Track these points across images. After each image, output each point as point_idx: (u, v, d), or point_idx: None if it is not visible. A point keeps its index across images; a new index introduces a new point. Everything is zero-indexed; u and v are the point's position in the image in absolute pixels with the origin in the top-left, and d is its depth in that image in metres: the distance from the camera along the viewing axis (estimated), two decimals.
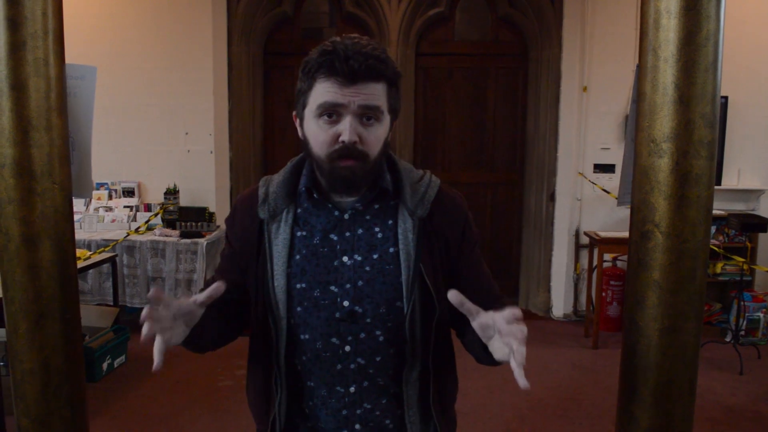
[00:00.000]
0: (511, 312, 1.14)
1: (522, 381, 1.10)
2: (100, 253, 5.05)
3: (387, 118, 1.36)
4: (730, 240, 5.53)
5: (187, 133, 5.85)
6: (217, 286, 1.23)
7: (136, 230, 5.55)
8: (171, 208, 5.65)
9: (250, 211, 1.47)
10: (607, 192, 5.74)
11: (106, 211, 5.77)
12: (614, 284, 5.64)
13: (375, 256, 1.38)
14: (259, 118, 6.15)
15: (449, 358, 1.52)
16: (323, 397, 1.41)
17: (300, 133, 1.41)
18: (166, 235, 5.40)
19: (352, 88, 1.28)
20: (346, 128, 1.29)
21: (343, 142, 1.29)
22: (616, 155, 5.78)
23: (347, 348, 1.38)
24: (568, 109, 5.81)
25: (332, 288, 1.37)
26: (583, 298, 5.92)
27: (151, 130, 5.87)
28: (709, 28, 1.32)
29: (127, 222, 5.71)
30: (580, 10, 5.67)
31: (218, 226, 5.69)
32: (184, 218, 5.52)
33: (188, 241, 5.31)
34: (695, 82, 1.32)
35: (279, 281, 1.38)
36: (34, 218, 1.42)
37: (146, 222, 5.67)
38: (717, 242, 5.45)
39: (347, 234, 1.39)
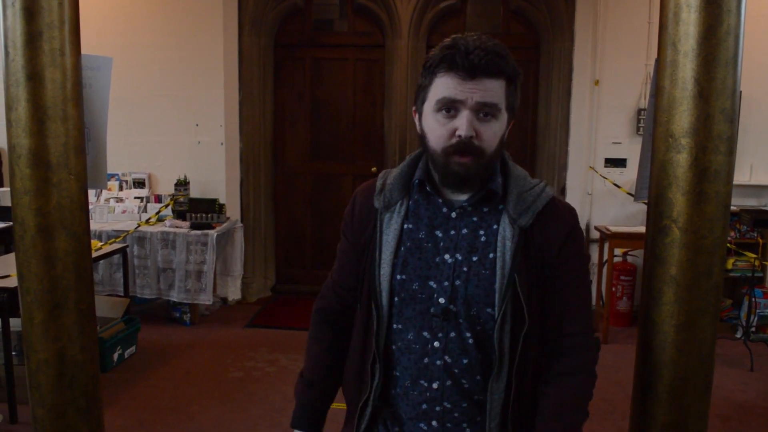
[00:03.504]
0: None
1: None
2: (111, 243, 5.06)
3: (504, 116, 1.36)
4: (742, 236, 5.49)
5: (197, 125, 5.85)
6: None
7: (147, 221, 5.56)
8: (181, 199, 5.66)
9: (367, 201, 1.50)
10: (618, 186, 5.71)
11: (117, 202, 5.79)
12: (624, 279, 5.63)
13: (474, 258, 1.38)
14: (270, 109, 6.15)
15: (537, 378, 1.45)
16: (406, 387, 1.43)
17: (418, 127, 1.42)
18: (177, 227, 5.41)
19: (472, 83, 1.29)
20: (463, 123, 1.30)
21: (459, 136, 1.30)
22: (627, 150, 5.75)
23: (436, 344, 1.39)
24: (579, 103, 5.78)
25: (431, 283, 1.39)
26: (593, 293, 5.90)
27: (161, 121, 5.88)
28: (729, 23, 1.31)
29: (138, 213, 5.72)
30: (593, 3, 5.63)
31: (228, 218, 5.70)
32: (195, 210, 5.52)
33: (198, 232, 5.32)
34: (715, 76, 1.31)
35: (384, 270, 1.42)
36: (49, 209, 1.42)
37: (157, 213, 5.68)
38: (728, 238, 5.41)
39: (452, 232, 1.40)
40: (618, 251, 5.58)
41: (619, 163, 5.80)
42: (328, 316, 1.61)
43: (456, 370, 1.39)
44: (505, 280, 1.35)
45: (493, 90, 1.30)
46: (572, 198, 5.88)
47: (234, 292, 5.96)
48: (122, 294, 5.17)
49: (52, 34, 1.39)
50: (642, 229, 5.15)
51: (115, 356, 4.50)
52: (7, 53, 1.39)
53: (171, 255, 5.36)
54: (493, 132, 1.33)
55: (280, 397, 4.02)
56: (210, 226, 5.42)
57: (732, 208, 5.31)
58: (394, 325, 1.43)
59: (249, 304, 6.06)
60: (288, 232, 6.42)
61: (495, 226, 1.39)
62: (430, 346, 1.39)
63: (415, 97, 1.42)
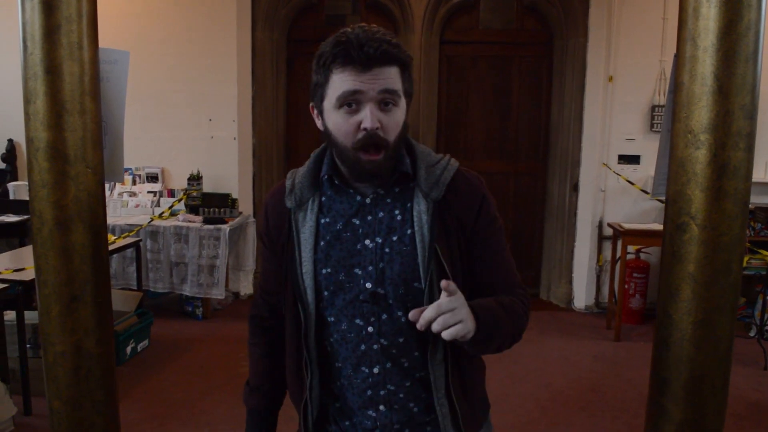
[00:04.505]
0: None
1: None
2: (124, 237, 5.09)
3: (403, 102, 1.38)
4: (757, 234, 5.45)
5: (210, 120, 5.87)
6: None
7: (160, 215, 5.58)
8: (194, 194, 5.68)
9: (279, 204, 1.51)
10: (632, 183, 5.68)
11: (130, 196, 5.81)
12: (637, 276, 5.60)
13: (394, 238, 1.41)
14: (282, 105, 6.16)
15: None
16: (349, 377, 1.45)
17: (320, 125, 1.44)
18: (190, 221, 5.43)
19: (369, 74, 1.30)
20: (367, 115, 1.31)
21: (365, 129, 1.31)
22: (641, 146, 5.73)
23: (370, 329, 1.41)
24: (592, 99, 5.76)
25: (356, 271, 1.41)
26: (605, 290, 5.88)
27: (175, 116, 5.90)
28: (750, 17, 1.29)
29: (151, 207, 5.75)
30: None
31: (241, 213, 5.72)
32: (207, 204, 5.54)
33: (211, 227, 5.34)
34: (735, 72, 1.30)
35: (306, 267, 1.43)
36: (67, 202, 1.43)
37: (170, 207, 5.70)
38: None
39: (369, 218, 1.43)
40: (631, 248, 5.55)
41: (633, 159, 5.77)
42: (260, 322, 1.68)
43: (394, 351, 1.42)
44: (426, 252, 1.37)
45: (391, 77, 1.32)
46: (585, 194, 5.86)
47: (246, 287, 5.98)
48: (135, 288, 5.20)
49: (70, 27, 1.39)
50: (655, 226, 5.16)
51: (128, 350, 4.53)
52: (25, 47, 1.39)
53: (184, 249, 5.38)
54: (396, 121, 1.35)
55: None
56: (223, 221, 5.44)
57: None
58: (328, 318, 1.45)
59: None
60: None
61: (409, 204, 1.42)
62: (364, 332, 1.42)
63: (311, 94, 1.43)
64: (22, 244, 5.37)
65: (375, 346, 1.41)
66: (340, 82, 1.32)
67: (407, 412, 1.45)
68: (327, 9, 6.09)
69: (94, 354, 1.50)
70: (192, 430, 3.61)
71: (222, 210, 5.52)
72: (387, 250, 1.40)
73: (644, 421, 1.55)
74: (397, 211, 1.42)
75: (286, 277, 1.49)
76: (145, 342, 4.77)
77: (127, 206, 5.74)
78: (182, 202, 5.73)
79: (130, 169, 5.91)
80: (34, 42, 1.38)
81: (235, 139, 5.88)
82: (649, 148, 5.64)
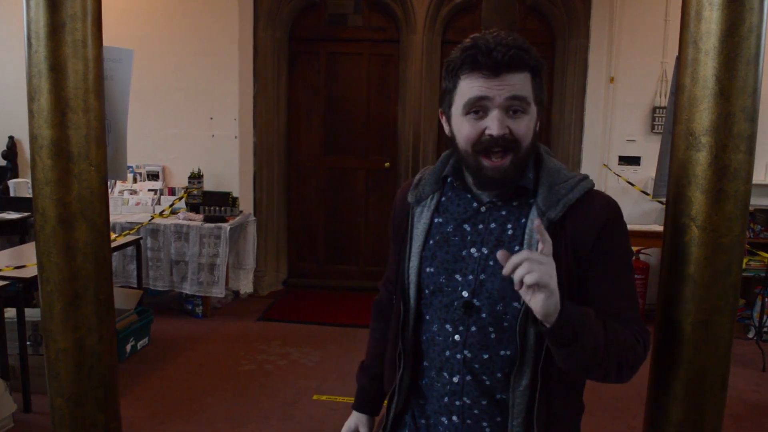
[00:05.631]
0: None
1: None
2: (124, 235, 5.09)
3: (534, 110, 1.33)
4: (756, 235, 5.46)
5: (211, 118, 5.87)
6: None
7: (161, 214, 5.58)
8: (195, 192, 5.68)
9: (404, 197, 1.54)
10: (632, 184, 5.69)
11: (131, 194, 5.82)
12: (637, 277, 5.60)
13: None
14: (284, 103, 6.16)
15: (569, 379, 1.39)
16: (432, 378, 1.45)
17: (447, 130, 1.42)
18: (190, 219, 5.43)
19: (497, 80, 1.27)
20: (493, 122, 1.28)
21: (490, 135, 1.28)
22: (641, 147, 5.73)
23: (457, 337, 1.39)
24: (594, 100, 5.76)
25: (456, 276, 1.39)
26: None
27: (176, 114, 5.90)
28: (752, 21, 1.30)
29: (151, 205, 5.75)
30: (609, 0, 5.60)
31: (241, 211, 5.72)
32: (208, 203, 5.54)
33: (212, 225, 5.34)
34: (736, 75, 1.31)
35: (413, 262, 1.45)
36: (70, 199, 1.43)
37: (170, 206, 5.70)
38: None
39: (480, 226, 1.40)
40: None
41: (633, 161, 5.78)
42: (380, 309, 1.71)
43: (476, 366, 1.38)
44: None
45: (520, 84, 1.28)
46: None
47: (246, 286, 5.98)
48: (136, 286, 5.20)
49: (74, 25, 1.40)
50: (655, 227, 5.16)
51: (128, 347, 4.53)
52: (30, 44, 1.40)
53: (184, 247, 5.38)
54: (526, 126, 1.30)
55: (292, 390, 4.04)
56: (223, 219, 5.44)
57: None
58: (426, 316, 1.45)
59: (261, 297, 6.08)
60: (300, 226, 6.44)
61: (523, 220, 1.36)
62: (451, 339, 1.39)
63: (440, 100, 1.41)
64: (22, 242, 5.38)
65: (458, 356, 1.39)
66: (467, 88, 1.30)
67: (479, 430, 1.41)
68: (329, 8, 6.09)
69: (97, 351, 1.50)
70: (192, 428, 3.61)
71: (222, 208, 5.52)
72: (491, 262, 1.36)
73: (643, 422, 1.55)
74: (509, 225, 1.38)
75: (398, 269, 1.51)
76: (145, 340, 4.77)
77: (128, 204, 5.74)
78: (183, 200, 5.73)
79: (131, 167, 5.91)
80: (38, 40, 1.39)
81: (236, 137, 5.88)
82: (650, 150, 5.65)
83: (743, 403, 4.09)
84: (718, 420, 1.45)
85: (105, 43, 1.55)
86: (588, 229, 1.33)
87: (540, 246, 1.18)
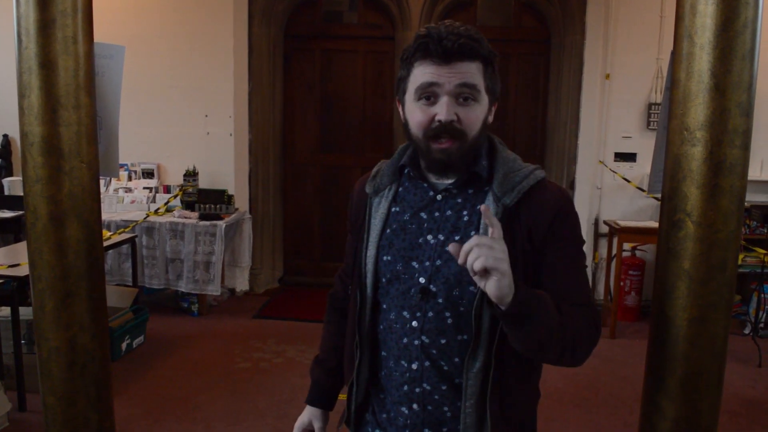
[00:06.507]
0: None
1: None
2: (119, 233, 5.08)
3: (485, 99, 1.37)
4: (752, 231, 5.46)
5: (207, 116, 5.86)
6: None
7: (156, 212, 5.57)
8: (190, 190, 5.67)
9: (362, 188, 1.56)
10: (628, 181, 5.69)
11: (126, 192, 5.80)
12: (633, 274, 5.61)
13: (456, 238, 1.38)
14: (279, 100, 6.15)
15: (524, 362, 1.40)
16: (390, 368, 1.46)
17: (402, 117, 1.45)
18: (185, 217, 5.42)
19: (447, 68, 1.31)
20: (442, 108, 1.32)
21: (439, 121, 1.32)
22: (637, 144, 5.73)
23: (414, 323, 1.40)
24: (590, 97, 5.76)
25: (413, 264, 1.41)
26: (601, 288, 5.89)
27: (171, 111, 5.88)
28: (747, 15, 1.29)
29: (147, 203, 5.74)
30: None
31: (237, 209, 5.71)
32: (203, 200, 5.53)
33: (207, 223, 5.33)
34: (732, 70, 1.30)
35: (370, 251, 1.46)
36: (61, 197, 1.42)
37: (165, 204, 5.69)
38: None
39: (436, 214, 1.43)
40: (627, 246, 5.56)
41: (629, 157, 5.78)
42: (335, 301, 1.73)
43: (434, 351, 1.39)
44: None
45: (471, 72, 1.32)
46: (581, 192, 5.87)
47: (242, 283, 5.98)
48: (131, 284, 5.19)
49: (65, 21, 1.38)
50: (651, 223, 5.16)
51: (124, 346, 4.52)
52: (20, 41, 1.38)
53: (179, 245, 5.37)
54: (475, 115, 1.35)
55: (287, 388, 4.03)
56: (219, 217, 5.43)
57: None
58: (383, 305, 1.46)
59: (257, 295, 6.08)
60: (296, 223, 6.43)
61: (478, 206, 1.39)
62: (408, 326, 1.41)
63: (395, 88, 1.45)
64: (17, 240, 5.37)
65: (416, 342, 1.40)
66: (419, 75, 1.34)
67: (440, 415, 1.42)
68: (324, 5, 6.08)
69: (89, 349, 1.49)
70: (187, 426, 3.60)
71: (218, 206, 5.51)
72: (447, 248, 1.36)
73: (639, 418, 1.55)
74: (465, 212, 1.41)
75: (354, 259, 1.52)
76: (141, 338, 4.76)
77: (123, 202, 5.72)
78: (178, 198, 5.71)
79: (126, 165, 5.89)
80: (28, 36, 1.37)
81: (231, 135, 5.86)
82: (646, 146, 5.65)
83: (739, 399, 4.09)
84: (714, 416, 1.44)
85: (97, 39, 1.54)
86: (542, 215, 1.38)
87: (490, 230, 1.20)
